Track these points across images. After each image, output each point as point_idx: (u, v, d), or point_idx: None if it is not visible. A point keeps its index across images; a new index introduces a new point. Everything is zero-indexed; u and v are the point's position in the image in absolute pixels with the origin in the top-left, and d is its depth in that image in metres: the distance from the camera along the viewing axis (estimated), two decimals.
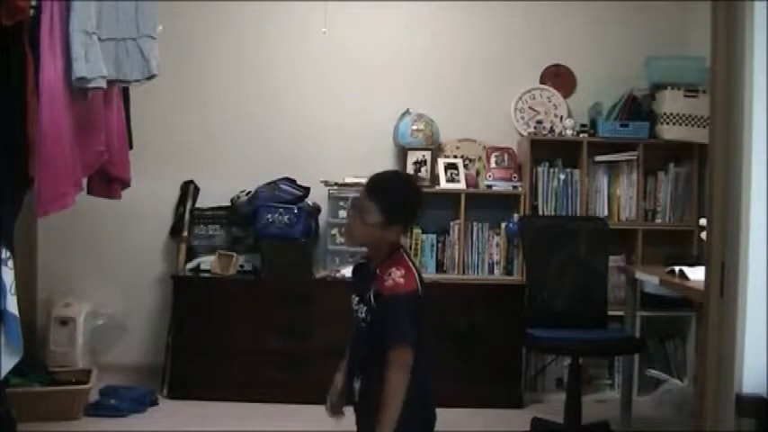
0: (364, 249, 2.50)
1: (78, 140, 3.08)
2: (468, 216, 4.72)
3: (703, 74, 4.42)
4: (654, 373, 4.63)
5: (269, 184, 4.62)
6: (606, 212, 4.71)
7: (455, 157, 4.86)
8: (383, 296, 2.23)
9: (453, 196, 4.70)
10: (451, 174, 4.75)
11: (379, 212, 2.26)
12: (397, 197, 2.31)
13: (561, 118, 4.87)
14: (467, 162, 4.86)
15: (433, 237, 4.75)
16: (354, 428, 2.37)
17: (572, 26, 4.92)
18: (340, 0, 4.69)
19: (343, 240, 4.56)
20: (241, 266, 4.59)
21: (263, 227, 4.49)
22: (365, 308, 2.28)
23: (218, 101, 4.88)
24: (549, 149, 4.76)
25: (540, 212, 4.69)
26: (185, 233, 4.72)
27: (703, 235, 2.68)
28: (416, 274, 2.27)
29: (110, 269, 4.80)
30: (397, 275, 2.22)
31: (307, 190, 4.67)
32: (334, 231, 4.59)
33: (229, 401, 4.25)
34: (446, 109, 4.84)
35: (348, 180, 4.61)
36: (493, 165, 4.80)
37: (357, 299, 2.33)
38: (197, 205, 4.80)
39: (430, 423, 2.35)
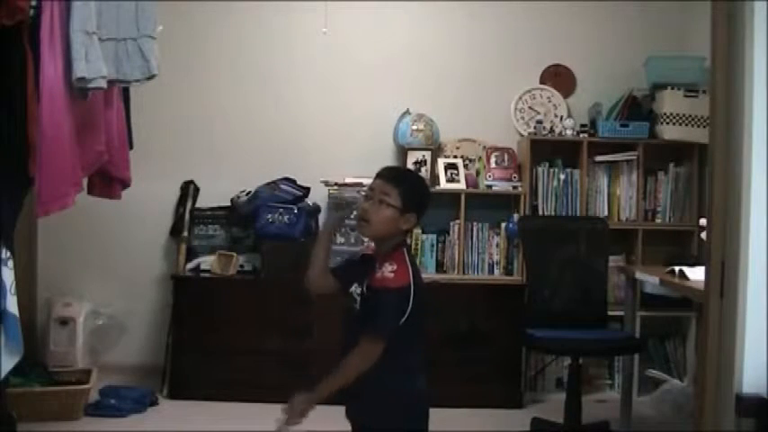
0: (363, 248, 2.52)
1: (78, 140, 3.08)
2: (468, 216, 4.72)
3: (703, 74, 4.42)
4: (654, 373, 4.63)
5: (269, 184, 4.62)
6: (606, 212, 4.72)
7: (455, 157, 4.86)
8: (372, 289, 2.29)
9: (453, 196, 4.70)
10: (451, 174, 4.75)
11: (399, 198, 2.29)
12: (416, 186, 2.40)
13: (561, 118, 4.87)
14: (467, 162, 4.86)
15: (433, 237, 4.76)
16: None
17: (572, 26, 4.92)
18: (340, 0, 4.69)
19: (342, 240, 4.56)
20: (241, 266, 4.59)
21: (263, 227, 4.49)
22: (360, 299, 2.34)
23: (218, 101, 4.88)
24: (549, 149, 4.76)
25: (540, 212, 4.69)
26: (185, 233, 4.72)
27: (703, 235, 2.68)
28: (410, 272, 2.28)
29: (110, 269, 4.80)
30: (387, 270, 2.26)
31: (307, 190, 4.67)
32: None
33: (229, 401, 4.25)
34: (446, 109, 4.84)
35: (348, 180, 4.61)
36: (493, 165, 4.80)
37: (357, 288, 2.36)
38: (197, 205, 4.80)
39: (422, 422, 2.35)
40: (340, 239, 4.57)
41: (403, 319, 2.24)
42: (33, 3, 2.85)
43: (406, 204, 2.30)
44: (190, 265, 4.64)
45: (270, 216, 4.49)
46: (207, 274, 4.56)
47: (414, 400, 2.31)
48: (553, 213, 4.68)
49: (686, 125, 4.59)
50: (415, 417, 2.32)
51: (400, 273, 2.26)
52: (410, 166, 4.71)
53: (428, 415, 2.36)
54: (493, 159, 4.81)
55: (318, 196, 4.69)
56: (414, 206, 2.32)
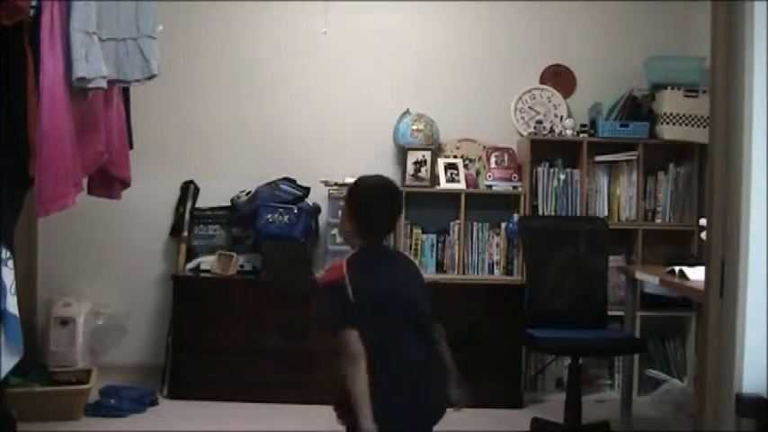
0: None
1: (78, 140, 3.07)
2: (468, 216, 4.72)
3: (703, 74, 4.43)
4: (654, 373, 4.63)
5: (269, 184, 4.62)
6: (606, 212, 4.72)
7: (455, 157, 4.86)
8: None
9: (453, 196, 4.70)
10: (451, 174, 4.75)
11: (346, 206, 2.56)
12: (356, 194, 2.57)
13: (561, 118, 4.87)
14: (467, 162, 4.86)
15: (433, 237, 4.76)
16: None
17: (572, 26, 4.92)
18: (340, 0, 4.69)
19: (341, 240, 4.57)
20: (241, 266, 4.59)
21: (263, 227, 4.49)
22: None
23: (219, 101, 4.88)
24: (549, 149, 4.76)
25: (540, 212, 4.69)
26: (185, 233, 4.72)
27: (703, 235, 2.68)
28: (346, 270, 2.37)
29: (110, 269, 4.80)
30: (323, 271, 2.43)
31: (307, 190, 4.67)
32: (334, 231, 4.58)
33: (229, 401, 4.25)
34: (446, 109, 4.84)
35: (348, 180, 4.59)
36: (493, 165, 4.80)
37: None
38: (197, 205, 4.80)
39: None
40: (339, 239, 4.58)
41: (352, 316, 2.33)
42: (33, 3, 2.85)
43: (348, 209, 2.54)
44: (190, 265, 4.64)
45: (270, 216, 4.49)
46: (207, 274, 4.56)
47: (389, 408, 2.29)
48: (553, 213, 4.68)
49: (686, 125, 4.59)
50: (389, 423, 2.28)
51: (331, 270, 2.43)
52: (410, 166, 4.72)
53: (413, 425, 2.36)
54: (493, 159, 4.81)
55: (318, 196, 4.69)
56: (353, 211, 2.51)
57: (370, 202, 2.52)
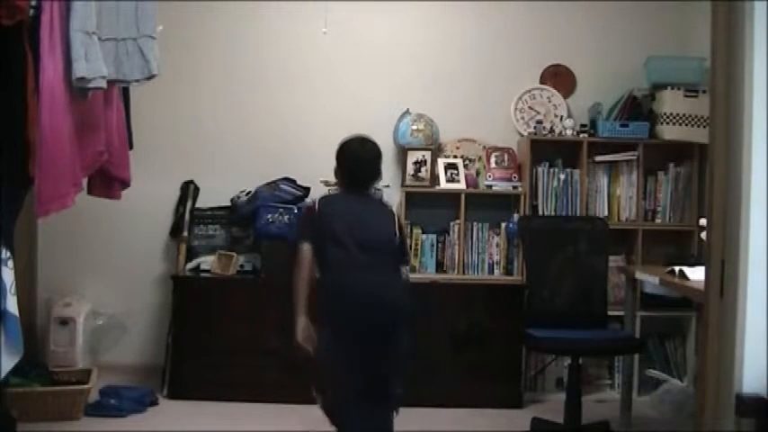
0: None
1: (78, 140, 3.08)
2: (468, 216, 4.72)
3: (703, 74, 4.43)
4: (654, 373, 4.63)
5: (269, 184, 4.62)
6: (606, 212, 4.72)
7: (455, 157, 4.86)
8: None
9: (453, 196, 4.70)
10: (451, 174, 4.75)
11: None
12: (337, 153, 3.30)
13: (561, 118, 4.87)
14: (467, 162, 4.86)
15: (433, 237, 4.76)
16: None
17: (572, 26, 4.92)
18: (340, 0, 4.69)
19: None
20: (241, 266, 4.59)
21: (263, 227, 4.49)
22: None
23: (219, 101, 4.88)
24: (549, 149, 4.76)
25: (540, 212, 4.69)
26: (185, 233, 4.72)
27: (703, 235, 2.68)
28: (318, 202, 3.21)
29: (110, 269, 4.80)
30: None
31: (307, 190, 4.67)
32: None
33: (229, 401, 4.25)
34: (446, 109, 4.84)
35: None
36: (493, 165, 4.80)
37: None
38: (197, 205, 4.80)
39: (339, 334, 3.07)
40: None
41: (311, 233, 3.11)
42: (33, 3, 2.85)
43: (336, 165, 3.30)
44: (190, 265, 4.64)
45: (270, 216, 4.49)
46: (207, 274, 4.56)
47: (337, 307, 3.10)
48: (553, 213, 4.68)
49: (686, 125, 4.59)
50: (336, 320, 3.11)
51: (309, 205, 3.27)
52: (410, 166, 4.72)
53: (357, 322, 3.03)
54: (493, 159, 4.81)
55: (318, 196, 4.68)
56: (336, 165, 3.29)
57: (344, 156, 3.24)
